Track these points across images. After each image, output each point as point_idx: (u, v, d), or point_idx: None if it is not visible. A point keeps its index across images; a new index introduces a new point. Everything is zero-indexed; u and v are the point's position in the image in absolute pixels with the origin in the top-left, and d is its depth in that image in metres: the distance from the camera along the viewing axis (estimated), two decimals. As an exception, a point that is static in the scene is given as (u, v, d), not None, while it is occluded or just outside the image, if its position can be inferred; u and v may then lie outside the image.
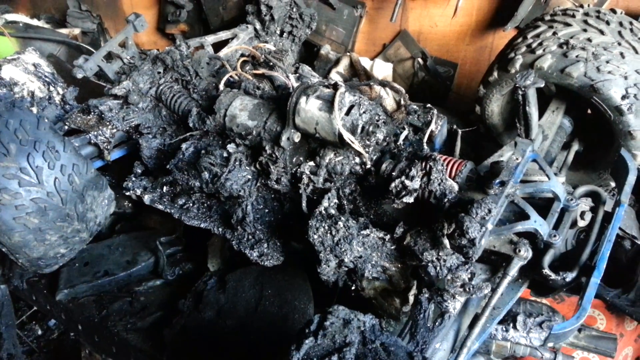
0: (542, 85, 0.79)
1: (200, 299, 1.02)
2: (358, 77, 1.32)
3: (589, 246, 0.69)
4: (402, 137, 0.90)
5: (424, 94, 1.34)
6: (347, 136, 0.77)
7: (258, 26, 1.31)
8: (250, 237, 0.91)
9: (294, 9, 1.32)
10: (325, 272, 0.81)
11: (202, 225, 0.95)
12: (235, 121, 0.90)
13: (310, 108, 0.80)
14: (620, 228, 0.92)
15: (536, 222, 0.67)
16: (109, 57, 1.14)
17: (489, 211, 0.66)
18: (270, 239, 0.91)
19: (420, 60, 1.33)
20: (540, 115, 0.92)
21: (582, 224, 0.91)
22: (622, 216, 0.70)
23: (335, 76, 1.31)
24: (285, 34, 1.35)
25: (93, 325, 1.05)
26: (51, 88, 1.05)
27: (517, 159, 0.73)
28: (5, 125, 0.81)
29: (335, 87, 0.81)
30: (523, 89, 0.76)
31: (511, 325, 0.80)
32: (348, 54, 1.38)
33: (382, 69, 1.32)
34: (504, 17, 1.15)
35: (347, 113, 0.79)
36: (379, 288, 0.82)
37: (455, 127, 0.97)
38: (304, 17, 1.34)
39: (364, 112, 0.79)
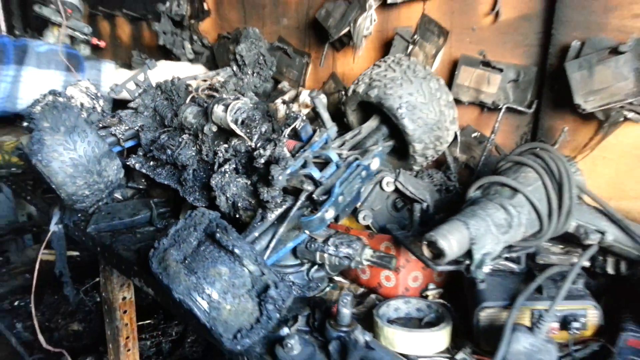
0: (323, 98, 1.33)
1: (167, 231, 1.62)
2: (294, 102, 1.91)
3: (337, 186, 1.21)
4: (285, 132, 1.47)
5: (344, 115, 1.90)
6: (233, 127, 1.36)
7: (235, 68, 1.95)
8: (190, 189, 1.51)
9: (260, 57, 1.95)
10: (220, 205, 1.38)
11: (166, 182, 1.57)
12: (186, 120, 1.52)
13: (217, 110, 1.40)
14: (414, 194, 1.41)
15: (312, 170, 1.22)
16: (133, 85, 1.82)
17: (287, 162, 1.22)
18: (201, 190, 1.50)
19: (342, 93, 1.90)
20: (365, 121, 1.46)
21: (386, 189, 1.42)
22: (352, 169, 1.21)
23: (278, 101, 1.91)
24: (255, 73, 1.97)
25: (106, 248, 1.68)
26: (95, 102, 1.73)
27: (317, 139, 1.28)
28: (61, 116, 1.48)
29: (236, 99, 1.41)
30: (313, 99, 1.30)
31: (327, 242, 1.33)
32: (300, 88, 1.98)
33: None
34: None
35: (235, 113, 1.38)
36: (251, 216, 1.38)
37: (316, 128, 1.52)
38: (267, 63, 1.96)
39: (244, 113, 1.38)
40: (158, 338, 2.57)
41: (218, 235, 1.10)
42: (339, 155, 1.27)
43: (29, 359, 2.55)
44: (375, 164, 1.26)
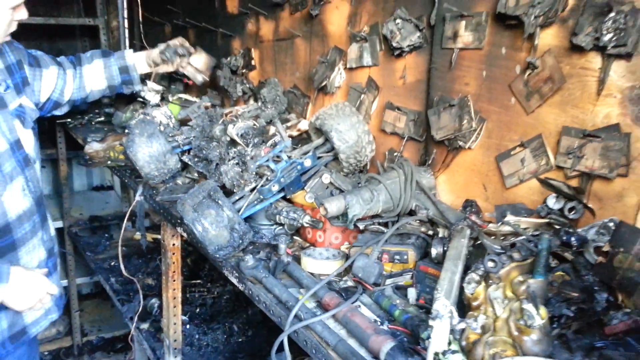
0: (281, 122, 2.23)
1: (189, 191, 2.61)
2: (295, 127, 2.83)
3: (279, 172, 2.11)
4: (268, 143, 2.41)
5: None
6: (235, 137, 2.33)
7: (260, 104, 2.92)
8: (212, 174, 2.48)
9: (277, 97, 2.91)
10: (225, 183, 2.33)
11: (201, 170, 2.55)
12: (215, 133, 2.51)
13: (229, 127, 2.37)
14: (340, 185, 2.27)
15: (270, 163, 2.13)
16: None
17: (257, 158, 2.15)
18: (218, 176, 2.46)
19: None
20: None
21: (324, 181, 2.30)
22: (290, 163, 2.11)
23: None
24: (273, 108, 2.94)
25: (166, 209, 2.69)
26: (169, 121, 2.77)
27: (278, 146, 2.20)
28: (146, 127, 2.53)
29: (242, 121, 2.38)
30: (274, 123, 2.22)
31: (282, 209, 2.24)
32: (301, 118, 2.91)
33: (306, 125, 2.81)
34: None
35: (237, 129, 2.34)
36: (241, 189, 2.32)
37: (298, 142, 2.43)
38: (281, 101, 2.92)
39: (242, 130, 2.33)
40: (204, 294, 3.56)
41: (211, 193, 2.06)
42: (289, 156, 2.19)
43: (115, 298, 3.64)
44: (307, 162, 2.16)
